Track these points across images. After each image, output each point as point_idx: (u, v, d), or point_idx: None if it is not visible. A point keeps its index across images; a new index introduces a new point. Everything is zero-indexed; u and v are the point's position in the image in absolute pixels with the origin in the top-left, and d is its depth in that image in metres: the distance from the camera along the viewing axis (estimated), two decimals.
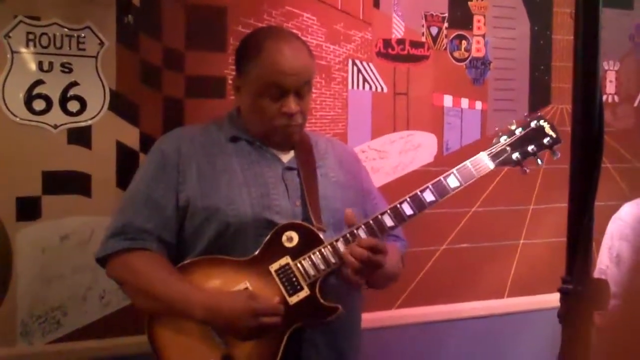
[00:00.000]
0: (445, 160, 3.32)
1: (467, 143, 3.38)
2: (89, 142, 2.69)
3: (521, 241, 3.57)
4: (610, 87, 3.76)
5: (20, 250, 2.62)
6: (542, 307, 3.31)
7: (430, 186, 2.26)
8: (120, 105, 2.73)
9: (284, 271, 2.17)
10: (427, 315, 3.34)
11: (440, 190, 2.26)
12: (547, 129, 2.34)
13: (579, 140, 1.54)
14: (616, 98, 3.77)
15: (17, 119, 2.59)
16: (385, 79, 3.20)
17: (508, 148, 2.31)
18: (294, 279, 2.17)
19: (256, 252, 2.18)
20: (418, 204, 2.24)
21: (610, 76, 3.76)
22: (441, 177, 2.27)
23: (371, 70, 3.16)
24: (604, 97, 3.70)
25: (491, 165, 2.29)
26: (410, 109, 3.26)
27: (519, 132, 2.33)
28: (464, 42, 3.37)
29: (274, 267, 2.18)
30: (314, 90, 2.97)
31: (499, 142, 2.33)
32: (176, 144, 2.29)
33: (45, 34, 2.61)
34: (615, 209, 2.67)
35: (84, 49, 2.67)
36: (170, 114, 2.78)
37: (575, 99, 1.55)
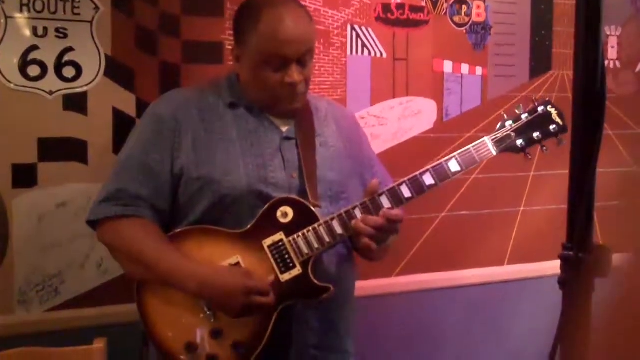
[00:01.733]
0: (445, 126, 3.30)
1: (467, 109, 3.36)
2: (85, 109, 2.67)
3: (521, 208, 3.56)
4: (612, 52, 3.73)
5: (17, 218, 2.61)
6: (542, 275, 3.31)
7: (430, 169, 2.22)
8: (116, 71, 2.70)
9: (277, 247, 2.15)
10: (427, 282, 3.34)
11: (441, 175, 2.22)
12: (554, 116, 2.27)
13: (580, 106, 1.52)
14: (618, 64, 3.75)
15: (12, 85, 2.57)
16: (385, 45, 3.17)
17: (513, 134, 2.26)
18: (287, 256, 2.15)
19: (249, 226, 2.16)
20: (417, 187, 2.20)
21: (612, 42, 3.73)
22: (442, 161, 2.23)
23: (370, 35, 3.13)
24: (606, 63, 3.67)
25: (494, 151, 2.25)
26: (409, 75, 3.23)
27: (525, 117, 2.26)
28: (464, 6, 3.33)
29: (267, 242, 2.15)
30: None
31: (504, 127, 2.27)
32: (172, 108, 2.25)
33: None
34: (617, 175, 2.66)
35: (78, 14, 2.63)
36: (166, 79, 2.76)
37: (577, 65, 1.53)
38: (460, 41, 3.35)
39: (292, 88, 2.20)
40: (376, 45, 3.14)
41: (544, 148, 2.29)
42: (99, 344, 2.41)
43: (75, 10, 2.63)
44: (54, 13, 2.60)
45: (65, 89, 2.64)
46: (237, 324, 2.12)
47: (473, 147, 2.24)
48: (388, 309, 3.24)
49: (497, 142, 2.25)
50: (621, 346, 1.08)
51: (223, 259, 2.14)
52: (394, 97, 3.21)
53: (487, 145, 2.24)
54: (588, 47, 1.51)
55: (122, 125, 2.70)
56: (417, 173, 2.21)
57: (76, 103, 2.66)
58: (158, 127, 2.23)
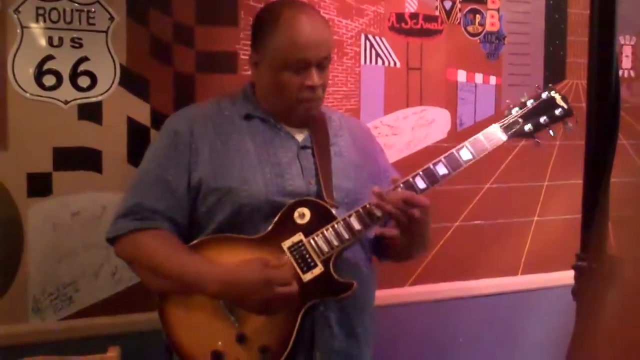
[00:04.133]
0: (459, 136, 3.29)
1: (481, 119, 3.36)
2: (100, 118, 2.68)
3: (535, 218, 3.55)
4: (626, 62, 3.72)
5: (32, 226, 2.62)
6: (556, 285, 3.30)
7: (442, 159, 2.22)
8: (131, 80, 2.71)
9: (297, 248, 2.15)
10: (440, 292, 3.33)
11: (453, 163, 2.22)
12: (559, 100, 2.29)
13: (594, 115, 1.52)
14: (632, 73, 3.73)
15: (28, 95, 2.58)
16: (398, 54, 3.17)
17: (520, 120, 2.27)
18: (307, 256, 2.15)
19: (268, 230, 2.16)
20: (430, 177, 2.20)
21: (627, 51, 3.72)
22: (453, 150, 2.23)
23: (384, 45, 3.13)
24: (620, 72, 3.66)
25: (504, 137, 2.26)
26: (423, 84, 3.23)
27: (530, 103, 2.28)
28: (478, 16, 3.33)
29: (286, 244, 2.15)
30: None
31: (511, 114, 2.29)
32: (188, 123, 2.26)
33: (55, 8, 2.59)
34: (631, 185, 2.65)
35: (94, 24, 2.65)
36: (180, 89, 2.77)
37: (591, 74, 1.53)
38: (474, 50, 3.34)
39: (312, 91, 2.20)
40: (390, 54, 3.15)
41: (552, 133, 2.32)
42: (113, 353, 2.41)
43: (91, 21, 2.64)
44: (70, 23, 2.62)
45: (80, 98, 2.65)
46: (262, 329, 2.12)
47: (483, 134, 2.25)
48: (401, 318, 3.23)
49: (506, 128, 2.27)
50: (623, 343, 1.08)
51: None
52: (407, 107, 3.21)
53: (497, 131, 2.26)
54: (602, 57, 1.51)
55: (136, 134, 2.71)
56: (430, 164, 2.22)
57: (91, 112, 2.67)
58: (174, 141, 2.23)
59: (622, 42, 3.69)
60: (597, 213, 1.52)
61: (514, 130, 2.27)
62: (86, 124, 2.66)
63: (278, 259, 2.14)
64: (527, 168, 3.40)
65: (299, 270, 2.14)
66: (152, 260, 2.18)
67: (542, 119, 2.28)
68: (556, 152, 3.43)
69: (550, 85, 2.34)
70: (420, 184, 2.19)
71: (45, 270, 2.65)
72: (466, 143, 2.24)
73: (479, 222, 3.39)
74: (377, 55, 3.13)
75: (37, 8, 2.57)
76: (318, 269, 2.15)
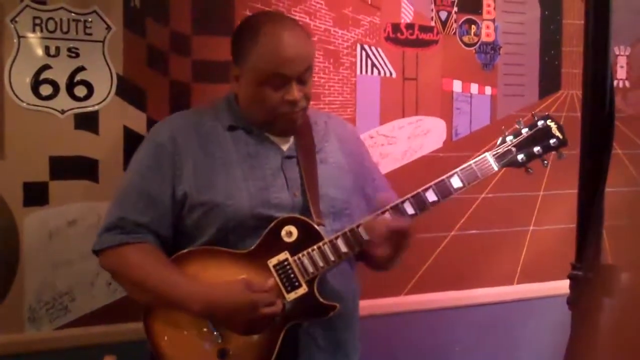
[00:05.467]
0: (455, 146, 3.30)
1: (477, 129, 3.37)
2: (96, 127, 2.69)
3: (531, 227, 3.56)
4: (621, 72, 3.73)
5: (28, 236, 2.62)
6: (551, 294, 3.30)
7: (433, 186, 2.21)
8: (127, 90, 2.72)
9: (283, 267, 2.15)
10: (436, 301, 3.34)
11: (444, 191, 2.22)
12: (554, 130, 2.29)
13: (589, 126, 1.53)
14: (627, 83, 3.75)
15: (24, 104, 2.58)
16: (394, 64, 3.18)
17: (513, 149, 2.27)
18: (292, 276, 2.14)
19: (254, 245, 2.16)
20: (420, 203, 2.20)
21: (621, 61, 3.73)
22: (444, 177, 2.23)
23: (380, 55, 3.14)
24: (615, 83, 3.67)
25: (495, 166, 2.26)
26: (419, 94, 3.24)
27: (525, 132, 2.28)
28: (473, 26, 3.34)
29: (272, 262, 2.15)
30: (322, 75, 2.95)
31: (505, 142, 2.28)
32: (172, 134, 2.24)
33: (52, 18, 2.60)
34: (626, 195, 2.65)
35: (90, 34, 2.66)
36: (177, 98, 2.77)
37: (586, 84, 1.54)
38: (469, 61, 3.36)
39: (292, 106, 2.19)
40: (386, 64, 3.16)
41: (545, 162, 2.32)
42: None
43: (87, 30, 2.65)
44: (66, 33, 2.62)
45: (76, 108, 2.65)
46: (245, 346, 2.12)
47: (474, 162, 2.25)
48: (397, 327, 3.23)
49: (499, 158, 2.26)
50: (619, 353, 1.08)
51: (229, 279, 2.13)
52: (403, 117, 3.22)
53: (489, 160, 2.26)
54: (596, 67, 1.52)
55: (133, 144, 2.70)
56: (420, 190, 2.21)
57: (88, 122, 2.67)
58: (158, 153, 2.23)
59: (617, 52, 3.70)
60: (592, 222, 1.52)
61: (506, 159, 2.27)
62: (83, 133, 2.67)
63: (263, 279, 2.13)
64: (522, 177, 3.40)
65: (283, 290, 2.14)
66: (136, 275, 2.18)
67: (536, 149, 2.28)
68: (551, 161, 3.43)
69: (547, 113, 2.35)
70: (409, 210, 2.20)
71: (41, 280, 2.64)
72: (457, 170, 2.24)
73: (474, 231, 3.40)
74: (373, 65, 3.14)
75: (34, 18, 2.58)
76: (302, 289, 2.14)
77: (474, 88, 3.37)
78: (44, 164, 2.62)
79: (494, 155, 2.26)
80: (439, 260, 3.32)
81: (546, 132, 2.29)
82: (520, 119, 2.32)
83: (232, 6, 2.85)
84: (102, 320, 2.72)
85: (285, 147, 2.28)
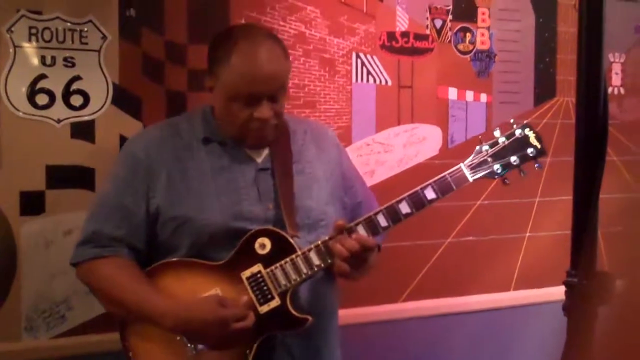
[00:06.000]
0: (450, 153, 3.31)
1: (472, 136, 3.37)
2: (93, 137, 2.69)
3: (527, 234, 3.57)
4: (616, 79, 3.75)
5: (24, 245, 2.62)
6: (548, 300, 3.30)
7: (406, 197, 2.18)
8: (123, 99, 2.72)
9: (256, 279, 2.14)
10: (433, 308, 3.34)
11: (417, 202, 2.18)
12: (532, 139, 2.23)
13: (583, 132, 1.53)
14: (622, 90, 3.76)
15: (20, 114, 2.59)
16: (390, 72, 3.19)
17: (489, 159, 2.22)
18: (265, 288, 2.14)
19: (228, 257, 2.15)
20: (393, 215, 2.17)
21: (616, 68, 3.74)
22: (418, 189, 2.19)
23: (375, 63, 3.15)
24: (610, 90, 3.68)
25: (470, 178, 2.21)
26: (414, 102, 3.25)
27: (502, 141, 2.23)
28: (468, 34, 3.36)
29: (245, 274, 2.14)
30: (317, 84, 2.95)
31: (481, 151, 2.23)
32: (146, 147, 2.24)
33: (48, 28, 2.61)
34: (621, 201, 2.66)
35: (86, 43, 2.66)
36: (173, 107, 2.78)
37: (579, 91, 1.55)
38: (464, 68, 3.37)
39: (262, 123, 2.16)
40: (381, 72, 3.17)
41: (522, 173, 2.27)
42: None
43: (83, 40, 2.66)
44: (62, 42, 2.63)
45: (73, 117, 2.66)
46: (219, 357, 2.12)
47: (449, 173, 2.20)
48: (394, 334, 3.23)
49: (473, 168, 2.21)
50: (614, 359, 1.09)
51: (202, 292, 2.14)
52: (399, 124, 3.23)
53: (463, 171, 2.21)
54: (590, 74, 1.53)
55: None
56: (393, 202, 2.18)
57: (84, 131, 2.68)
58: (133, 167, 2.22)
59: (612, 59, 3.72)
60: (587, 229, 1.53)
61: (481, 170, 2.22)
62: (79, 142, 2.67)
63: (237, 291, 2.13)
64: (519, 184, 3.41)
65: (256, 302, 2.13)
66: (110, 289, 2.19)
67: (513, 159, 2.23)
68: (547, 168, 3.44)
69: (526, 121, 2.28)
70: (382, 222, 2.17)
71: (37, 289, 2.64)
72: (431, 182, 2.20)
73: (471, 238, 3.41)
74: (369, 73, 3.14)
75: (30, 27, 2.59)
76: (275, 302, 2.13)
77: (469, 95, 3.38)
78: (40, 173, 2.62)
79: (468, 166, 2.21)
80: (436, 267, 3.32)
81: (524, 141, 2.24)
82: (498, 127, 2.28)
83: (228, 15, 2.86)
84: (99, 329, 2.71)
85: (260, 159, 2.27)
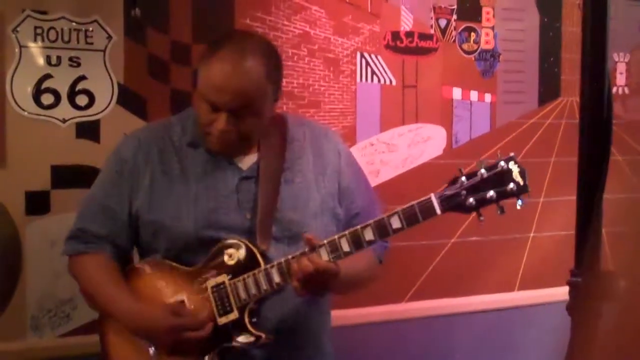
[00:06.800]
0: (455, 153, 3.31)
1: (477, 136, 3.38)
2: (98, 136, 2.70)
3: (531, 234, 3.56)
4: (620, 79, 3.74)
5: (30, 244, 2.63)
6: (552, 300, 3.30)
7: (372, 224, 2.06)
8: (129, 99, 2.73)
9: (219, 290, 2.13)
10: (437, 308, 3.34)
11: (381, 230, 2.05)
12: (515, 174, 2.03)
13: (587, 132, 1.53)
14: (626, 90, 3.76)
15: (26, 114, 2.60)
16: (394, 72, 3.19)
17: (464, 192, 2.02)
18: (226, 300, 2.12)
19: (199, 265, 2.16)
20: (356, 241, 2.06)
21: (621, 68, 3.74)
22: (384, 216, 2.05)
23: (380, 63, 3.15)
24: (614, 89, 3.68)
25: (438, 211, 2.02)
26: (419, 102, 3.25)
27: (481, 173, 2.02)
28: (472, 34, 3.36)
29: (210, 283, 2.13)
30: (322, 84, 2.95)
31: (456, 183, 2.03)
32: (134, 149, 2.23)
33: (53, 28, 2.61)
34: (626, 201, 2.66)
35: (91, 43, 2.67)
36: (178, 107, 2.77)
37: (584, 91, 1.55)
38: (469, 68, 3.37)
39: (218, 132, 2.11)
40: (385, 72, 3.17)
41: (500, 210, 2.06)
42: None
43: (89, 40, 2.66)
44: (68, 42, 2.64)
45: (78, 116, 2.67)
46: None
47: (417, 203, 2.03)
48: (398, 334, 3.23)
49: (444, 201, 2.03)
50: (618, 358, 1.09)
51: (170, 297, 2.16)
52: (403, 124, 3.23)
53: (433, 202, 2.02)
54: (594, 74, 1.53)
55: None
56: (359, 226, 2.06)
57: (89, 131, 2.69)
58: (119, 168, 2.24)
59: (616, 59, 3.71)
60: (591, 229, 1.53)
61: (451, 203, 2.03)
62: (84, 142, 2.68)
63: (200, 299, 2.14)
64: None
65: (215, 313, 2.12)
66: (87, 285, 2.26)
67: (489, 195, 2.03)
68: (551, 168, 3.44)
69: (512, 154, 2.06)
70: (345, 246, 2.06)
71: (43, 288, 2.66)
72: (399, 210, 2.04)
73: (475, 238, 3.40)
74: (373, 73, 3.15)
75: (35, 27, 2.60)
76: (233, 315, 2.12)
77: (474, 95, 3.38)
78: (45, 172, 2.63)
79: (439, 198, 2.03)
80: (439, 268, 3.32)
81: (506, 175, 2.03)
82: (482, 159, 2.06)
83: (233, 15, 2.87)
84: None
85: (245, 167, 2.23)
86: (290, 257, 2.08)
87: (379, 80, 3.16)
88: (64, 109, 2.65)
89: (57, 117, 2.64)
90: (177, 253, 2.18)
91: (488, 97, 3.40)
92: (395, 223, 2.04)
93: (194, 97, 2.21)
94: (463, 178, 2.03)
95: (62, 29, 2.63)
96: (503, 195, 2.03)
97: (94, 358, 2.56)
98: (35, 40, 2.60)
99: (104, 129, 2.70)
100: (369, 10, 3.13)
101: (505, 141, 3.40)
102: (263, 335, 2.12)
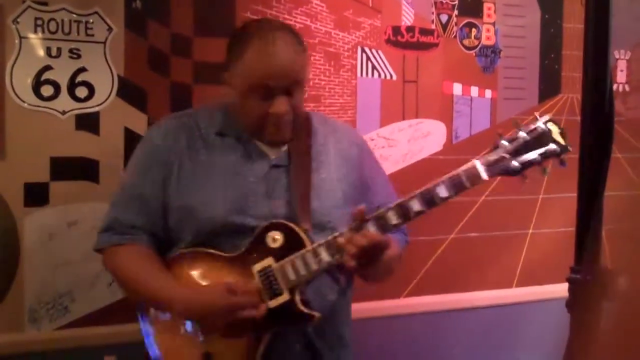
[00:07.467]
0: (455, 148, 3.31)
1: (477, 131, 3.37)
2: (97, 128, 2.69)
3: (530, 231, 3.56)
4: (621, 76, 3.74)
5: (28, 236, 2.63)
6: (550, 297, 3.30)
7: (417, 194, 2.09)
8: (128, 91, 2.73)
9: (266, 273, 2.12)
10: (435, 304, 3.34)
11: (429, 200, 2.08)
12: (555, 134, 2.05)
13: (588, 129, 1.53)
14: (627, 87, 3.75)
15: (25, 105, 2.59)
16: (395, 67, 3.19)
17: (507, 155, 2.06)
18: (274, 283, 2.12)
19: (242, 249, 2.14)
20: (404, 213, 2.09)
21: (621, 65, 3.74)
22: (431, 186, 2.07)
23: (380, 57, 3.15)
24: (615, 87, 3.68)
25: (485, 175, 2.07)
26: (419, 97, 3.24)
27: (522, 136, 2.06)
28: (474, 30, 3.35)
29: (256, 267, 2.13)
30: (322, 78, 2.95)
31: (499, 147, 2.07)
32: (165, 136, 2.24)
33: (54, 19, 2.61)
34: (626, 198, 2.65)
35: (92, 35, 2.66)
36: (178, 100, 2.78)
37: (585, 88, 1.55)
38: (469, 64, 3.36)
39: (277, 118, 2.14)
40: (386, 67, 3.16)
41: (544, 172, 2.09)
42: None
43: (89, 31, 2.66)
44: (68, 34, 2.63)
45: (77, 108, 2.66)
46: (227, 350, 2.12)
47: (463, 170, 2.07)
48: (396, 330, 3.24)
49: (489, 165, 2.07)
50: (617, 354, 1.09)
51: (215, 283, 2.14)
52: (403, 119, 3.23)
53: (477, 168, 2.07)
54: (596, 71, 1.53)
55: (133, 145, 2.69)
56: (405, 199, 2.09)
57: (88, 123, 2.68)
58: (151, 155, 2.24)
59: (617, 56, 3.71)
60: (592, 226, 1.53)
61: (497, 167, 2.07)
62: (83, 134, 2.67)
63: (246, 283, 2.11)
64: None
65: (265, 296, 2.11)
66: (126, 276, 2.22)
67: (533, 156, 2.06)
68: (551, 165, 3.44)
69: (549, 115, 2.09)
70: (393, 219, 2.09)
71: (41, 280, 2.65)
72: (444, 178, 2.08)
73: (474, 234, 3.40)
74: (374, 67, 3.14)
75: (36, 19, 2.59)
76: (283, 297, 2.11)
77: (474, 91, 3.38)
78: (44, 164, 2.63)
79: (484, 163, 2.07)
80: (438, 263, 3.32)
81: (546, 136, 2.05)
82: (519, 121, 2.11)
83: (233, 8, 2.86)
84: (102, 321, 2.73)
85: (274, 156, 2.24)
86: (336, 234, 2.09)
87: (379, 75, 3.16)
88: (64, 101, 2.64)
89: (56, 108, 2.63)
90: (204, 239, 2.16)
91: (488, 93, 3.40)
92: (442, 192, 2.07)
93: (237, 97, 2.19)
94: (505, 142, 2.07)
95: (62, 20, 2.62)
96: (546, 155, 2.06)
97: (92, 350, 2.57)
98: (35, 32, 2.59)
99: (104, 121, 2.70)
100: (370, 5, 3.13)
101: None
102: (316, 314, 2.12)
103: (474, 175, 2.07)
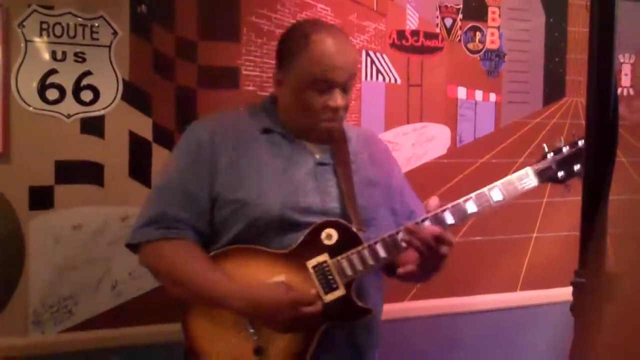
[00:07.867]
0: (459, 152, 3.31)
1: (481, 135, 3.37)
2: (102, 132, 2.70)
3: (534, 234, 3.56)
4: (625, 80, 3.74)
5: (33, 239, 2.63)
6: (555, 301, 3.30)
7: (473, 196, 2.23)
8: (133, 95, 2.73)
9: (321, 268, 2.16)
10: (440, 308, 3.34)
11: (483, 203, 2.24)
12: None
13: (593, 133, 1.53)
14: (631, 91, 3.75)
15: (31, 109, 2.60)
16: (399, 71, 3.19)
17: (554, 166, 2.29)
18: (331, 277, 2.16)
19: (295, 246, 2.17)
20: (460, 213, 2.22)
21: (626, 69, 3.74)
22: (485, 189, 2.25)
23: (385, 61, 3.15)
24: (619, 90, 3.67)
25: (535, 181, 2.28)
26: (423, 101, 3.25)
27: (566, 150, 2.30)
28: (478, 33, 3.35)
29: (311, 263, 2.16)
30: None
31: (546, 158, 2.30)
32: (210, 132, 2.25)
33: (59, 23, 2.62)
34: (630, 203, 2.65)
35: (97, 39, 2.67)
36: (182, 104, 2.79)
37: (590, 92, 1.54)
38: (474, 68, 3.37)
39: (334, 112, 2.21)
40: (391, 71, 3.17)
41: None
42: None
43: (94, 35, 2.67)
44: (73, 37, 2.64)
45: (82, 112, 2.67)
46: (280, 344, 2.14)
47: (516, 176, 2.28)
48: (400, 333, 3.23)
49: (540, 173, 2.28)
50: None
51: (267, 279, 2.15)
52: (408, 123, 3.23)
53: (530, 175, 2.28)
54: (601, 75, 1.52)
55: (138, 148, 2.73)
56: (460, 200, 2.22)
57: (93, 126, 2.69)
58: (196, 150, 2.24)
59: (622, 60, 3.71)
60: (596, 230, 1.53)
61: (547, 175, 2.29)
62: (88, 137, 2.68)
63: (302, 279, 2.15)
64: None
65: (321, 291, 2.15)
66: (175, 272, 2.19)
67: (577, 168, 2.28)
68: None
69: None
70: (449, 219, 2.21)
71: (45, 283, 2.65)
72: (498, 183, 2.26)
73: (478, 238, 3.40)
74: (378, 71, 3.14)
75: (41, 22, 2.60)
76: (339, 292, 2.16)
77: (479, 95, 3.38)
78: (49, 168, 2.63)
79: (535, 171, 2.28)
80: None
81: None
82: (562, 137, 2.34)
83: (238, 12, 2.87)
84: (106, 324, 2.73)
85: (318, 155, 2.29)
86: (394, 232, 2.18)
87: (384, 79, 3.16)
88: (69, 105, 2.65)
89: (61, 112, 2.64)
90: (253, 235, 2.17)
91: (493, 97, 3.40)
92: (497, 196, 2.26)
93: (292, 93, 2.24)
94: (550, 154, 2.30)
95: (67, 24, 2.63)
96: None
97: (96, 354, 2.57)
98: (40, 35, 2.60)
99: (109, 124, 2.70)
100: (375, 9, 3.13)
101: (510, 141, 3.40)
102: (372, 309, 2.19)
103: (526, 181, 2.28)
